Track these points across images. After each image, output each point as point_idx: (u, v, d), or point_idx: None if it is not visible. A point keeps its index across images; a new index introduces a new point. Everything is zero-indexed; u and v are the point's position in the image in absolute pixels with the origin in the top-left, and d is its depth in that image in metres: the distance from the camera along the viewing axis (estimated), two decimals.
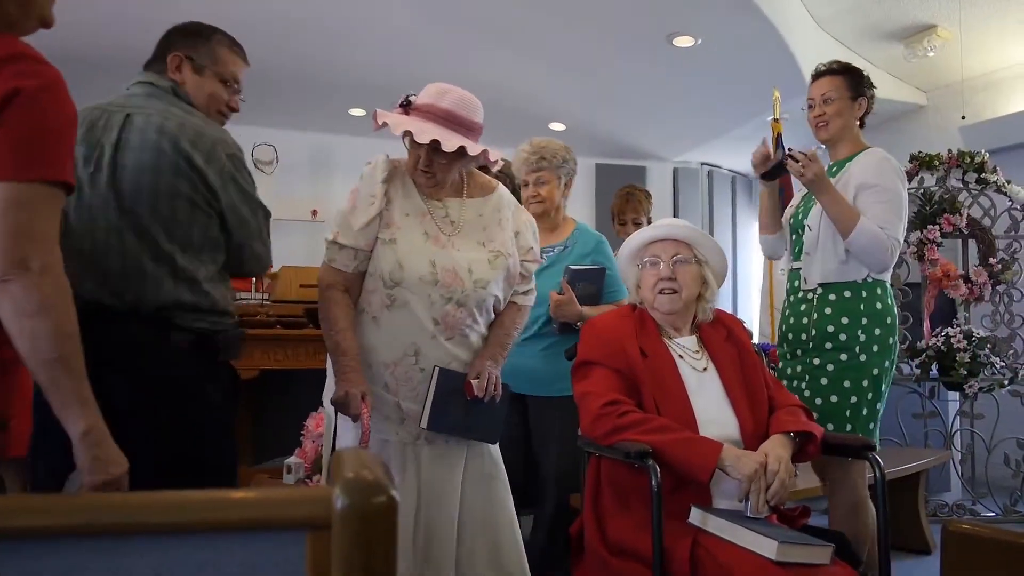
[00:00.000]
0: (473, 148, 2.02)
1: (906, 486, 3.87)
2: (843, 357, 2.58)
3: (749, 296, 8.07)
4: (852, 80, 2.76)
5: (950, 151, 4.81)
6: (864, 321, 2.58)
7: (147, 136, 1.92)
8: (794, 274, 2.82)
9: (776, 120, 5.05)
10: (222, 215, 1.99)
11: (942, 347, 4.56)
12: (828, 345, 2.61)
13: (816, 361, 2.64)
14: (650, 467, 1.73)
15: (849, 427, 2.56)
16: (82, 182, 1.89)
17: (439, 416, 2.02)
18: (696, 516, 1.84)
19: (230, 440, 2.02)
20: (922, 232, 4.64)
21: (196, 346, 1.93)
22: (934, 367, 4.61)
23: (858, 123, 2.79)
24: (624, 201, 4.08)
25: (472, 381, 2.05)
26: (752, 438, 1.96)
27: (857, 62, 6.23)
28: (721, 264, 2.24)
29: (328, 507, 0.79)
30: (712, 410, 1.99)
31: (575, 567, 2.06)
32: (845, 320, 2.60)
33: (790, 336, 2.76)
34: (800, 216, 2.80)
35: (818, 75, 2.83)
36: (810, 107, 2.81)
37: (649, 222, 4.00)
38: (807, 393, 2.65)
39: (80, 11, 4.72)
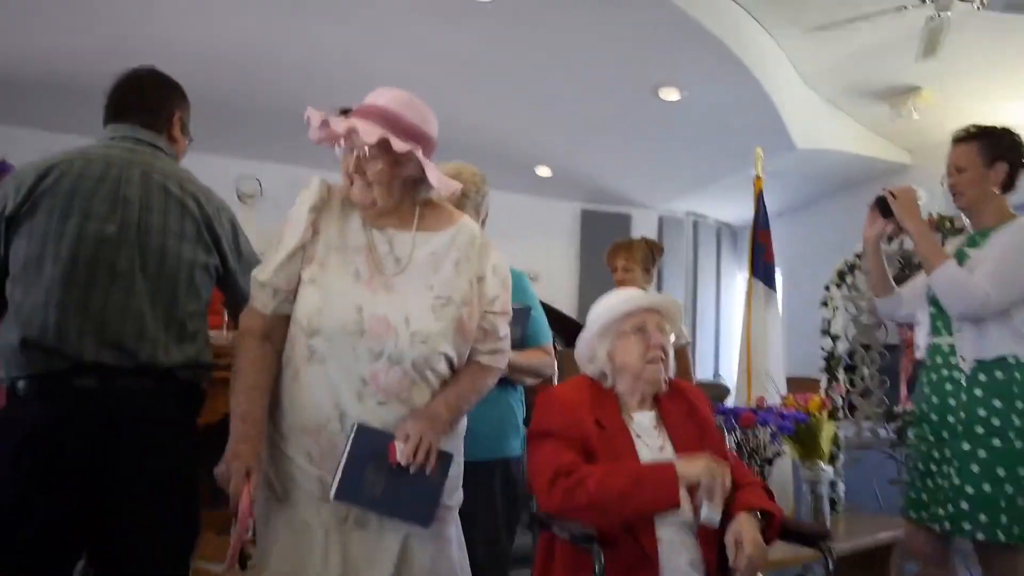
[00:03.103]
0: (399, 144, 1.65)
1: (877, 555, 3.78)
2: (996, 443, 2.39)
3: (731, 352, 8.01)
4: (986, 145, 2.55)
5: (931, 215, 4.79)
6: (1020, 404, 2.38)
7: (171, 199, 1.94)
8: (936, 349, 2.62)
9: (758, 178, 5.06)
10: (224, 279, 2.06)
11: None
12: (979, 430, 2.42)
13: (966, 447, 2.44)
14: (594, 552, 1.66)
15: (1005, 519, 2.35)
16: (107, 239, 1.85)
17: (351, 483, 1.64)
18: None
19: (195, 489, 1.98)
20: None
21: (185, 397, 1.94)
22: (910, 432, 4.54)
23: (1000, 188, 2.55)
24: (616, 245, 3.86)
25: (397, 444, 1.66)
26: None
27: (841, 119, 6.30)
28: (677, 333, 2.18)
29: None
30: None
31: None
32: (998, 403, 2.40)
33: (933, 417, 2.56)
34: None
35: (953, 141, 2.64)
36: (948, 174, 2.63)
37: (647, 272, 3.82)
38: (956, 481, 2.45)
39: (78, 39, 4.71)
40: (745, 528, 1.82)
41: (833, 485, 4.23)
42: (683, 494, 1.79)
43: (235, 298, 2.06)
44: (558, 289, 7.62)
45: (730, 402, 5.35)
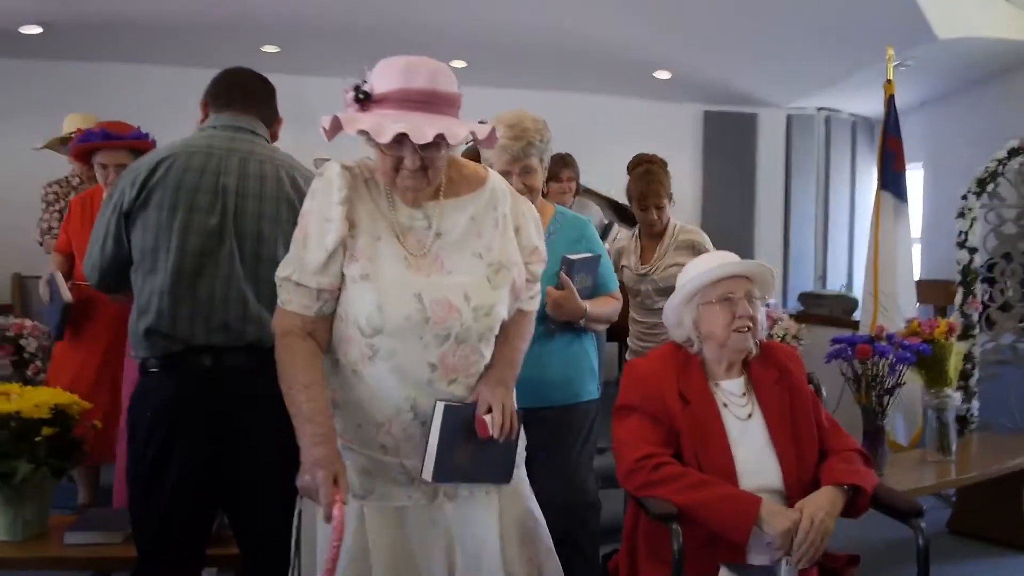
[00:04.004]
0: (482, 130, 1.61)
1: (1009, 478, 3.63)
2: None
3: (864, 262, 7.61)
4: None
5: None
6: None
7: (267, 185, 2.03)
8: None
9: (889, 81, 4.73)
10: None
11: None
12: None
13: None
14: (673, 531, 1.69)
15: None
16: (210, 231, 1.97)
17: (446, 464, 1.63)
18: None
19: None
20: None
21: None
22: None
23: None
24: (645, 182, 3.38)
25: (484, 417, 1.65)
26: (797, 485, 1.88)
27: (989, 1, 5.70)
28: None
29: None
30: (753, 460, 1.90)
31: None
32: None
33: None
34: None
35: None
36: None
37: (670, 199, 3.51)
38: None
39: None
40: (808, 503, 1.80)
41: (966, 403, 4.08)
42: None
43: None
44: (680, 196, 7.32)
45: (857, 315, 5.16)
